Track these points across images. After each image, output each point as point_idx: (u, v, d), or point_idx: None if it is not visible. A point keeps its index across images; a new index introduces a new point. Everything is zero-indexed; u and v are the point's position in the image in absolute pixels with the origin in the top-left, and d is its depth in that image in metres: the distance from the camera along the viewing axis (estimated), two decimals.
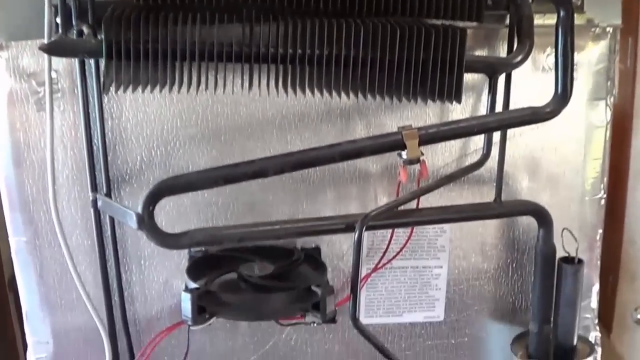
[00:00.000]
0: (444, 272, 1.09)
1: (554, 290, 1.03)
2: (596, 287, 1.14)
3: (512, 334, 1.11)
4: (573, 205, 1.09)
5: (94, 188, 0.96)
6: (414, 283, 1.09)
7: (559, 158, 1.07)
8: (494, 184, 1.02)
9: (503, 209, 0.99)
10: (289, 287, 0.90)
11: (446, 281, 1.10)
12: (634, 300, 1.12)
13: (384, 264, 1.06)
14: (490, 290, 1.12)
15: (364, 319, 1.09)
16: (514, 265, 1.11)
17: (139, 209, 0.78)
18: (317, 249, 1.03)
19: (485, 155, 0.98)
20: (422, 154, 0.87)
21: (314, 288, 0.88)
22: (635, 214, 1.08)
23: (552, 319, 1.04)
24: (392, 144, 0.86)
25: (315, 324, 0.94)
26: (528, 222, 1.09)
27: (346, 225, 0.90)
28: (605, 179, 1.10)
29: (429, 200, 1.01)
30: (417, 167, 0.90)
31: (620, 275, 1.12)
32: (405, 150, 0.86)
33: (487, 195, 1.05)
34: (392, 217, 0.92)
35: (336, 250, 1.06)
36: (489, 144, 0.99)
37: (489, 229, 1.09)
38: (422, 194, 0.92)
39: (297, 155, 0.85)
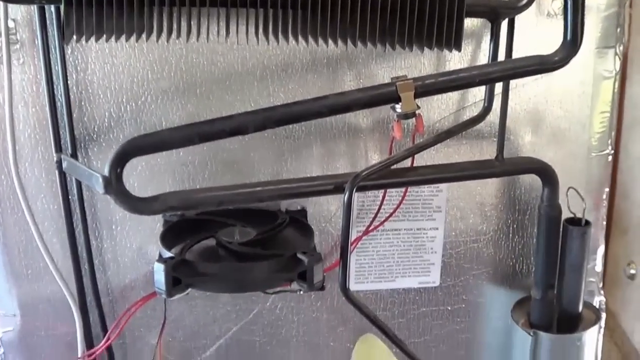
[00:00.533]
0: (440, 234, 1.03)
1: (559, 253, 0.97)
2: (601, 250, 1.09)
3: (513, 300, 1.06)
4: (578, 162, 1.04)
5: (59, 148, 0.89)
6: (408, 246, 1.03)
7: (564, 111, 1.01)
8: (495, 140, 0.96)
9: (505, 166, 0.92)
10: (273, 255, 0.82)
11: (442, 244, 1.04)
12: (626, 255, 1.07)
13: (376, 227, 0.99)
14: (489, 253, 1.06)
15: (354, 285, 1.02)
16: (514, 226, 1.05)
17: (105, 171, 0.70)
18: (303, 211, 0.96)
19: (487, 109, 0.91)
20: (419, 107, 0.79)
21: (299, 255, 0.81)
22: (627, 167, 1.03)
23: (556, 284, 0.98)
24: (385, 96, 0.78)
25: (302, 292, 0.87)
26: (530, 181, 1.03)
27: (335, 185, 0.83)
28: (613, 134, 1.04)
29: (424, 158, 0.96)
30: (412, 121, 0.82)
31: (612, 230, 1.06)
32: (400, 104, 0.78)
33: (487, 152, 1.00)
34: (385, 176, 0.85)
35: (324, 212, 0.99)
36: (490, 96, 0.91)
37: (488, 188, 1.03)
38: (417, 151, 0.84)
39: (281, 109, 0.77)
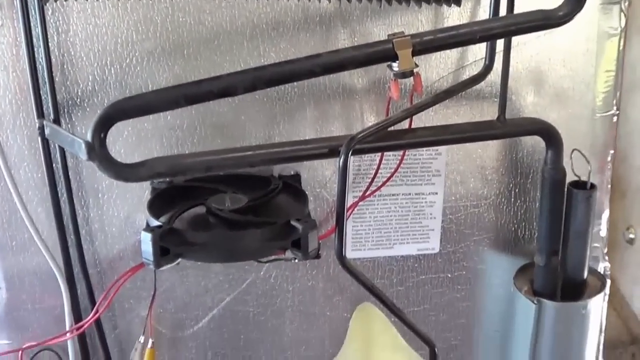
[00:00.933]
0: (439, 199, 0.99)
1: (563, 218, 0.94)
2: (606, 214, 1.06)
3: (515, 267, 1.03)
4: (583, 123, 1.00)
5: (41, 114, 0.85)
6: (406, 212, 0.99)
7: (567, 70, 0.98)
8: (496, 101, 0.92)
9: (507, 128, 0.88)
10: (265, 222, 0.79)
11: (442, 209, 1.00)
12: (624, 220, 1.05)
13: (373, 192, 0.96)
14: (490, 218, 1.03)
15: (350, 253, 0.99)
16: (516, 190, 1.02)
17: (88, 137, 0.67)
18: (297, 177, 0.93)
19: (488, 67, 0.87)
20: (417, 65, 0.75)
21: (293, 222, 0.77)
22: (626, 132, 1.01)
23: (560, 250, 0.95)
24: (381, 54, 0.74)
25: (296, 260, 0.83)
26: (533, 143, 1.00)
27: (330, 149, 0.79)
28: (618, 94, 1.01)
29: (422, 120, 0.92)
30: (409, 81, 0.79)
31: (611, 194, 1.04)
32: (397, 62, 0.75)
33: (487, 113, 0.96)
34: (382, 138, 0.81)
35: (318, 176, 0.96)
36: (491, 53, 0.87)
37: (489, 151, 1.00)
38: (416, 111, 0.80)
39: (271, 68, 0.73)
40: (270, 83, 0.73)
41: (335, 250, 0.77)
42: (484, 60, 0.88)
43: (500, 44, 0.89)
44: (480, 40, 0.79)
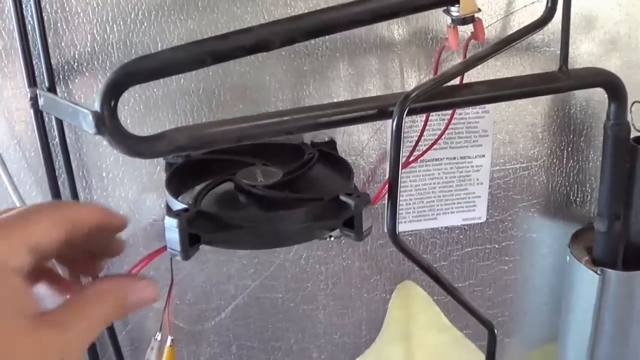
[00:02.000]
0: (487, 162, 0.89)
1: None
2: None
3: (567, 233, 0.93)
4: None
5: (32, 82, 0.74)
6: (451, 178, 0.89)
7: (624, 15, 0.88)
8: (547, 49, 0.85)
9: (571, 80, 0.77)
10: (310, 199, 0.67)
11: (489, 173, 0.90)
12: None
13: (417, 158, 0.85)
14: (541, 181, 0.93)
15: None
16: (569, 149, 0.93)
17: (96, 106, 0.56)
18: (332, 143, 0.81)
19: (550, 10, 0.75)
20: (479, 9, 0.64)
21: (343, 198, 0.65)
22: None
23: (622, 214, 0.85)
24: None
25: (332, 238, 0.72)
26: (587, 96, 0.90)
27: (379, 109, 0.68)
28: None
29: (468, 74, 0.79)
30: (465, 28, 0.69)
31: None
32: (457, 5, 0.65)
33: (539, 64, 0.86)
34: (435, 96, 0.69)
35: (354, 142, 0.85)
36: None
37: (539, 106, 0.90)
38: (475, 63, 0.69)
39: (311, 17, 0.62)
40: (310, 34, 0.63)
41: (387, 226, 0.67)
42: (546, 2, 0.76)
43: None
44: None
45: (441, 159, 0.87)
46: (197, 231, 0.62)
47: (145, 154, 0.62)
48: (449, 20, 0.67)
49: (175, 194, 0.69)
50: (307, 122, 0.66)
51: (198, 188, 0.71)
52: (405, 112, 0.64)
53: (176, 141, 0.62)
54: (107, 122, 0.56)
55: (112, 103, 0.56)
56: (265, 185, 0.69)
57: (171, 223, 0.61)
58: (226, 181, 0.71)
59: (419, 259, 0.71)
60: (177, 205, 0.66)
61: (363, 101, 0.70)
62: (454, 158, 0.87)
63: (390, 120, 0.64)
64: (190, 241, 0.62)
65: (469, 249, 0.94)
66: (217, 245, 0.65)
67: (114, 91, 0.57)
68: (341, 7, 0.62)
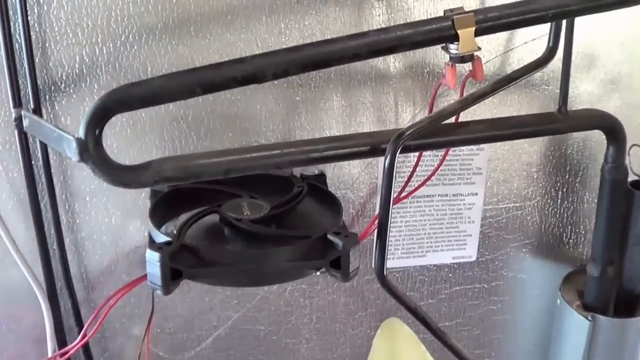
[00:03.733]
0: (479, 200, 0.88)
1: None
2: None
3: (558, 275, 0.93)
4: None
5: (18, 102, 0.72)
6: (442, 215, 0.88)
7: (626, 54, 0.87)
8: (546, 88, 0.84)
9: (570, 121, 0.76)
10: (298, 237, 0.65)
11: (481, 212, 0.89)
12: None
13: (408, 194, 0.83)
14: (534, 221, 0.93)
15: None
16: (564, 190, 0.92)
17: (80, 132, 0.54)
18: (322, 177, 0.80)
19: (552, 50, 0.74)
20: (479, 48, 0.63)
21: (331, 237, 0.64)
22: None
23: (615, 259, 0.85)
24: (438, 33, 0.62)
25: (317, 274, 0.71)
26: (584, 136, 0.89)
27: (372, 147, 0.67)
28: None
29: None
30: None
31: None
32: (456, 43, 0.63)
33: (536, 103, 0.85)
34: (430, 134, 0.68)
35: (344, 176, 0.84)
36: (556, 33, 0.74)
37: (536, 145, 0.89)
38: (474, 102, 0.68)
39: (307, 50, 0.60)
40: (306, 67, 0.61)
41: (374, 266, 0.67)
42: (548, 40, 0.75)
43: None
44: (552, 19, 0.67)
45: (433, 196, 0.86)
46: (179, 266, 0.60)
47: (129, 184, 0.60)
48: (447, 58, 0.66)
49: (159, 224, 0.68)
50: (299, 157, 0.65)
51: (183, 218, 0.70)
52: (399, 151, 0.63)
53: (162, 172, 0.60)
54: (91, 150, 0.55)
55: (97, 131, 0.55)
56: (251, 220, 0.67)
57: (153, 257, 0.60)
58: (212, 212, 0.69)
59: (405, 300, 0.70)
60: (160, 237, 0.64)
61: (356, 137, 0.68)
62: (446, 195, 0.86)
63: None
64: (172, 276, 0.60)
65: (458, 288, 0.93)
66: (199, 281, 0.64)
67: (99, 118, 0.55)
68: (337, 41, 0.60)
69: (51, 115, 0.74)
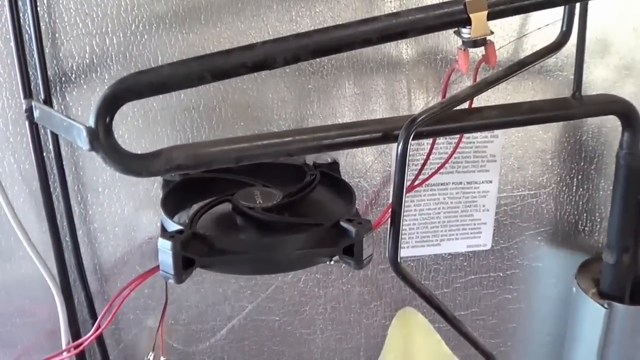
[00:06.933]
0: (494, 188, 0.87)
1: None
2: None
3: (573, 263, 0.91)
4: None
5: (28, 93, 0.72)
6: (456, 203, 0.87)
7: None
8: (560, 74, 0.83)
9: (585, 106, 0.75)
10: (310, 224, 0.65)
11: (496, 199, 0.88)
12: None
13: (422, 182, 0.82)
14: (549, 209, 0.91)
15: None
16: (579, 177, 0.90)
17: (91, 121, 0.54)
18: (335, 165, 0.79)
19: (565, 34, 0.73)
20: (492, 32, 0.63)
21: (344, 224, 0.63)
22: None
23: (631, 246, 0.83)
24: (450, 17, 0.61)
25: (331, 263, 0.70)
26: (599, 123, 0.87)
27: (384, 133, 0.66)
28: None
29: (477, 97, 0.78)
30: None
31: None
32: (468, 27, 0.62)
33: (550, 88, 0.84)
34: (442, 120, 0.68)
35: (357, 164, 0.83)
36: (569, 18, 0.73)
37: (550, 132, 0.87)
38: (486, 87, 0.67)
39: (317, 35, 0.60)
40: (316, 53, 0.60)
41: (388, 254, 0.65)
42: (561, 25, 0.74)
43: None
44: (565, 2, 0.67)
45: (447, 184, 0.85)
46: (191, 254, 0.60)
47: (140, 172, 0.60)
48: (460, 42, 0.65)
49: (171, 213, 0.67)
50: (310, 144, 0.64)
51: (195, 207, 0.69)
52: (412, 137, 0.62)
53: (173, 160, 0.60)
54: (102, 138, 0.55)
55: (108, 119, 0.55)
56: (264, 208, 0.66)
57: (165, 245, 0.59)
58: (224, 201, 0.69)
59: (420, 288, 0.69)
60: (172, 226, 0.63)
61: (368, 124, 0.68)
62: (460, 183, 0.85)
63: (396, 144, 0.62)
64: (184, 264, 0.60)
65: (473, 277, 0.92)
66: (212, 270, 0.63)
67: (109, 107, 0.55)
68: (348, 26, 0.59)
69: (62, 106, 0.74)
